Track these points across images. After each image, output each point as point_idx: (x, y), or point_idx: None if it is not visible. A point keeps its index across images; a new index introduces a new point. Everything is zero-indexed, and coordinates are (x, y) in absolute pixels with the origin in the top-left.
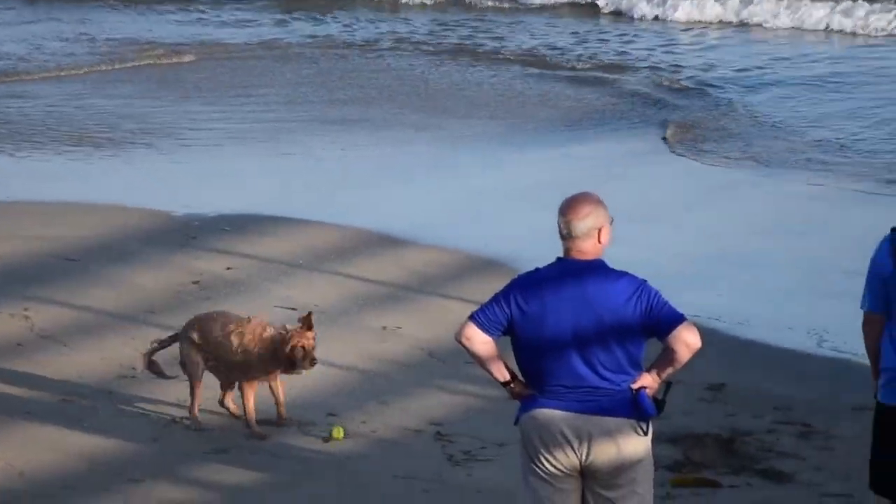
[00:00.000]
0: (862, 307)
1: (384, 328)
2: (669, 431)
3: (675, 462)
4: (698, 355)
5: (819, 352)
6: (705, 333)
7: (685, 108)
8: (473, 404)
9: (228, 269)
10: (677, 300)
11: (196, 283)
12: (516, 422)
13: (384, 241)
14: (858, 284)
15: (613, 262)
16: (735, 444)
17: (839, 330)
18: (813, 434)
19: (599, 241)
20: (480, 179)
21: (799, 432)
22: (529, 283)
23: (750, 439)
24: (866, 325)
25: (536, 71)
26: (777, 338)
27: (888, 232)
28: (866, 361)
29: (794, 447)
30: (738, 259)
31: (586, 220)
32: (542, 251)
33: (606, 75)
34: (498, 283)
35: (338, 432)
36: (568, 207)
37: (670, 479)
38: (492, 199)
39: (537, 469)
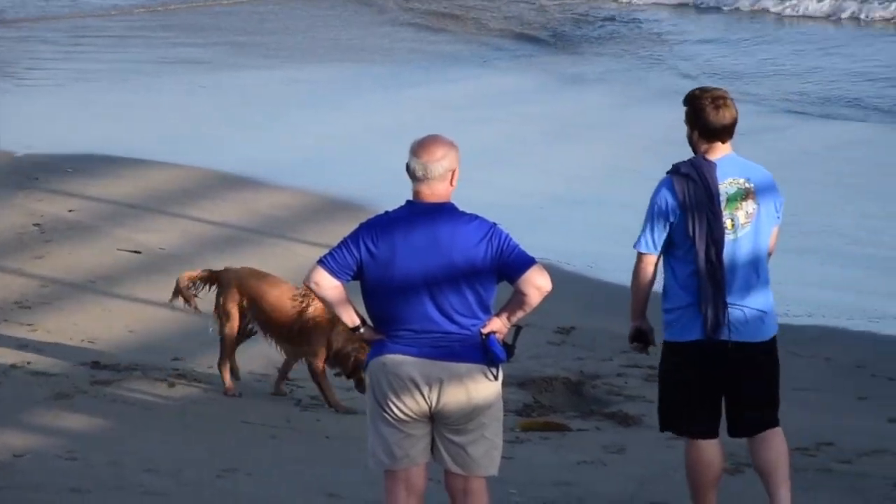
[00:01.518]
0: (640, 249)
1: None
2: (518, 375)
3: (525, 406)
4: (548, 298)
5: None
6: (555, 276)
7: (539, 52)
8: None
9: (71, 211)
10: (527, 243)
11: (37, 225)
12: (365, 367)
13: (231, 183)
14: None
15: (465, 205)
16: (584, 387)
17: None
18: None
19: (451, 184)
20: (333, 122)
21: (647, 375)
22: (379, 226)
23: (598, 383)
24: (644, 265)
25: (393, 16)
26: (626, 280)
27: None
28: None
29: (642, 390)
30: (589, 201)
31: (442, 162)
32: (395, 193)
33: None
34: (349, 226)
35: None
36: (423, 149)
37: (519, 423)
38: (343, 141)
39: (386, 414)
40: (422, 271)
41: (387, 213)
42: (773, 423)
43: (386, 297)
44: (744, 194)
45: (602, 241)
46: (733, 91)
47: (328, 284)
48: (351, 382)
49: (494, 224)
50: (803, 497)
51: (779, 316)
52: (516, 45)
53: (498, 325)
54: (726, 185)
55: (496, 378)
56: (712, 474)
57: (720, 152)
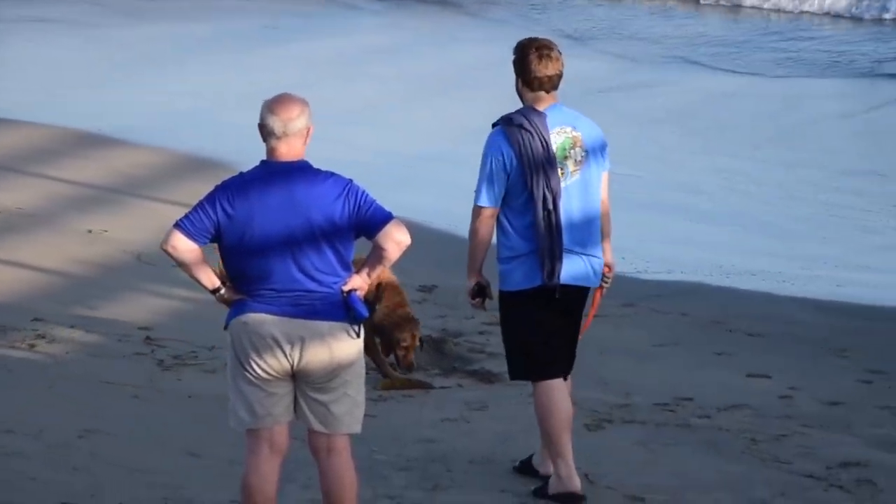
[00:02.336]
0: (481, 203)
1: (90, 231)
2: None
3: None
4: (409, 257)
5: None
6: (417, 235)
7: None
8: (183, 308)
9: None
10: (390, 201)
11: None
12: (226, 326)
13: (91, 142)
14: None
15: (330, 164)
16: (446, 345)
17: None
18: None
19: (305, 142)
20: (192, 80)
21: None
22: (235, 187)
23: (461, 340)
24: (485, 219)
25: None
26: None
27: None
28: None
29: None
30: (449, 159)
31: (300, 119)
32: (255, 151)
33: None
34: (210, 184)
35: None
36: (280, 106)
37: (381, 382)
38: (203, 99)
39: (247, 373)
40: (280, 230)
41: (242, 173)
42: (570, 369)
43: (245, 257)
44: (571, 143)
45: (463, 201)
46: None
47: (185, 248)
48: None
49: (350, 180)
50: (663, 453)
51: (638, 272)
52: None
53: (358, 282)
54: (555, 135)
55: (358, 335)
56: (565, 415)
57: (546, 102)
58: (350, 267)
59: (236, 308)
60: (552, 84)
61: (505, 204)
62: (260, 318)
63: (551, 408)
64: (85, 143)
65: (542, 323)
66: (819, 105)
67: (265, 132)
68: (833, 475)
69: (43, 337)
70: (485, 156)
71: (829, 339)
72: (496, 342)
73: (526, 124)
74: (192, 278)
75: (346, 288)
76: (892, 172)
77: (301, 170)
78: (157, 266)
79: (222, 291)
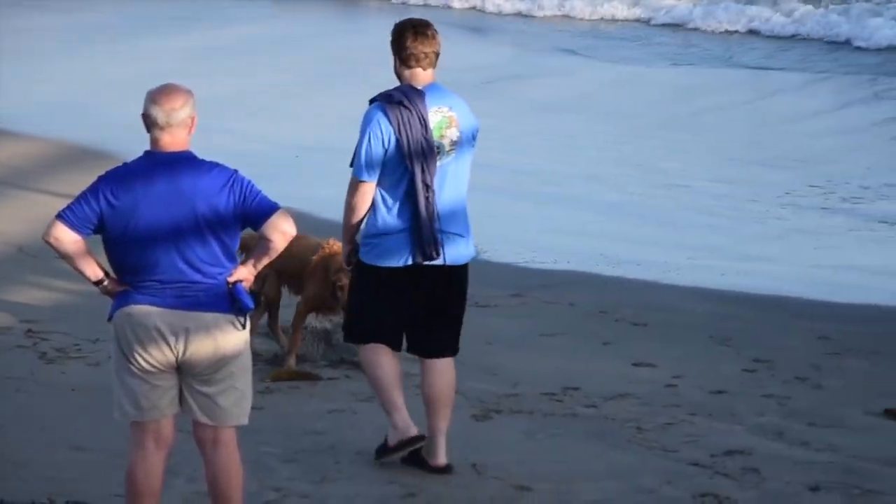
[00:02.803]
0: (361, 177)
1: None
2: (266, 325)
3: (275, 356)
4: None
5: None
6: (307, 225)
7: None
8: (66, 300)
9: None
10: (280, 192)
11: None
12: (110, 318)
13: None
14: None
15: (217, 155)
16: (333, 337)
17: None
18: None
19: (190, 132)
20: (72, 69)
21: None
22: (119, 178)
23: None
24: (364, 193)
25: None
26: None
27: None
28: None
29: None
30: (336, 148)
31: (185, 109)
32: (139, 141)
33: None
34: (92, 175)
35: None
36: (164, 96)
37: (270, 374)
38: (85, 89)
39: (132, 366)
40: (165, 221)
41: (125, 164)
42: (454, 349)
43: (130, 248)
44: (448, 123)
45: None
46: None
47: (68, 239)
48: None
49: (236, 171)
50: (550, 443)
51: (526, 262)
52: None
53: (244, 274)
54: (433, 114)
55: (244, 327)
56: (394, 370)
57: (424, 80)
58: (235, 258)
59: (120, 299)
60: (429, 61)
61: (379, 180)
62: (144, 310)
63: (374, 361)
64: None
65: (393, 300)
66: (707, 95)
67: (148, 122)
68: (718, 463)
69: None
70: (363, 132)
71: (714, 327)
72: None
73: (405, 101)
74: (76, 270)
75: (231, 279)
76: (777, 162)
77: (186, 160)
78: (39, 258)
79: (106, 283)
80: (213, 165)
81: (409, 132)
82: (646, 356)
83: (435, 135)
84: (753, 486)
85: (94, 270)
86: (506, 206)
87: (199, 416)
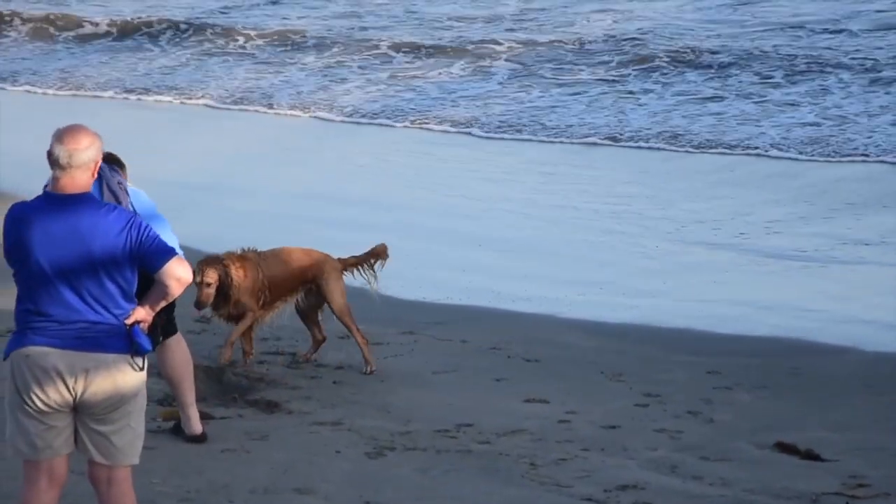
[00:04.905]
0: None
1: None
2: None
3: (166, 395)
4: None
5: None
6: (193, 263)
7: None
8: None
9: None
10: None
11: None
12: (6, 357)
13: None
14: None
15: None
16: (225, 375)
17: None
18: (302, 363)
19: (92, 175)
20: None
21: (288, 362)
22: (17, 218)
23: (240, 370)
24: None
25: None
26: None
27: None
28: (352, 291)
29: (284, 377)
30: (225, 188)
31: (89, 151)
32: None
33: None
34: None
35: None
36: (69, 137)
37: (160, 413)
38: None
39: (27, 406)
40: (62, 262)
41: (24, 202)
42: (174, 329)
43: (29, 287)
44: None
45: (243, 228)
46: None
47: None
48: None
49: (134, 214)
50: (444, 479)
51: (416, 298)
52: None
53: (142, 315)
54: None
55: (142, 368)
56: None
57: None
58: (134, 299)
59: (16, 339)
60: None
61: None
62: (43, 351)
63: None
64: None
65: None
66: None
67: (51, 160)
68: (612, 498)
69: None
70: None
71: (605, 362)
72: (276, 371)
73: None
74: None
75: (129, 321)
76: (663, 195)
77: (85, 202)
78: None
79: None
80: (112, 208)
81: None
82: (538, 392)
83: None
84: None
85: None
86: (392, 242)
87: (95, 456)
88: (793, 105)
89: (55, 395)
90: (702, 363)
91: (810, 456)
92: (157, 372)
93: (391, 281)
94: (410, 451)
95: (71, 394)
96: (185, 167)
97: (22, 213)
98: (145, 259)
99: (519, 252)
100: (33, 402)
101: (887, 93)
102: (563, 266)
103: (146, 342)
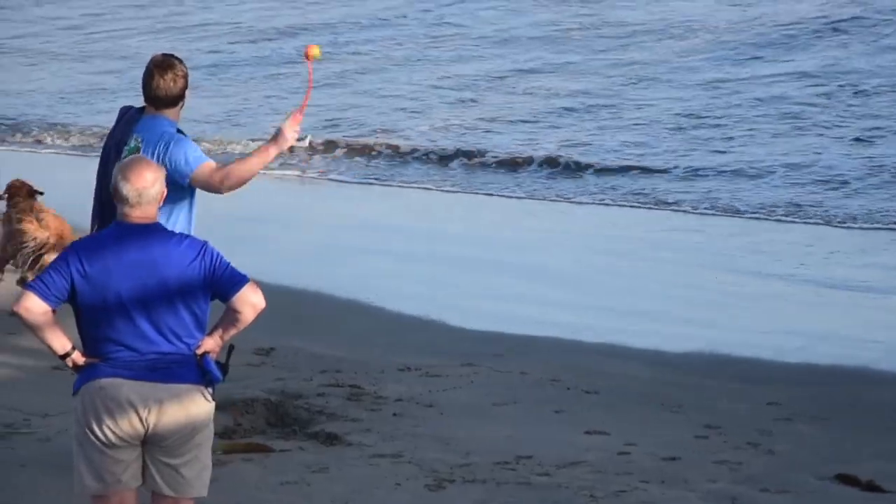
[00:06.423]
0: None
1: None
2: (218, 398)
3: (226, 428)
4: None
5: (364, 312)
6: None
7: None
8: (12, 376)
9: None
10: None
11: None
12: (76, 391)
13: None
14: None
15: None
16: (285, 408)
17: (384, 289)
18: (362, 395)
19: (159, 204)
20: None
21: (348, 394)
22: (90, 248)
23: (300, 402)
24: None
25: None
26: (325, 300)
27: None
28: (412, 322)
29: (344, 409)
30: (282, 221)
31: (155, 186)
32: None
33: None
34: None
35: (316, 50)
36: (135, 175)
37: (221, 445)
38: None
39: (96, 439)
40: (137, 292)
41: (96, 234)
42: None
43: (101, 319)
44: (134, 151)
45: (296, 263)
46: None
47: (38, 310)
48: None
49: (206, 242)
50: None
51: (475, 328)
52: None
53: (212, 345)
54: (132, 139)
55: (212, 399)
56: None
57: (149, 113)
58: (205, 329)
59: (88, 372)
60: (156, 102)
61: None
62: (116, 383)
63: None
64: None
65: None
66: None
67: (118, 197)
68: None
69: None
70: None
71: (664, 393)
72: (335, 403)
73: (120, 120)
74: (43, 341)
75: (199, 351)
76: (713, 228)
77: (156, 231)
78: None
79: (73, 355)
80: (184, 237)
81: (108, 148)
82: (598, 423)
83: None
84: None
85: (61, 342)
86: (454, 273)
87: (163, 489)
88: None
89: (127, 426)
90: (761, 394)
91: (872, 487)
92: (216, 404)
93: (450, 312)
94: (470, 484)
95: (143, 425)
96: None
97: (93, 245)
98: (218, 287)
99: (576, 283)
100: (105, 434)
101: None
102: (620, 297)
103: (217, 373)
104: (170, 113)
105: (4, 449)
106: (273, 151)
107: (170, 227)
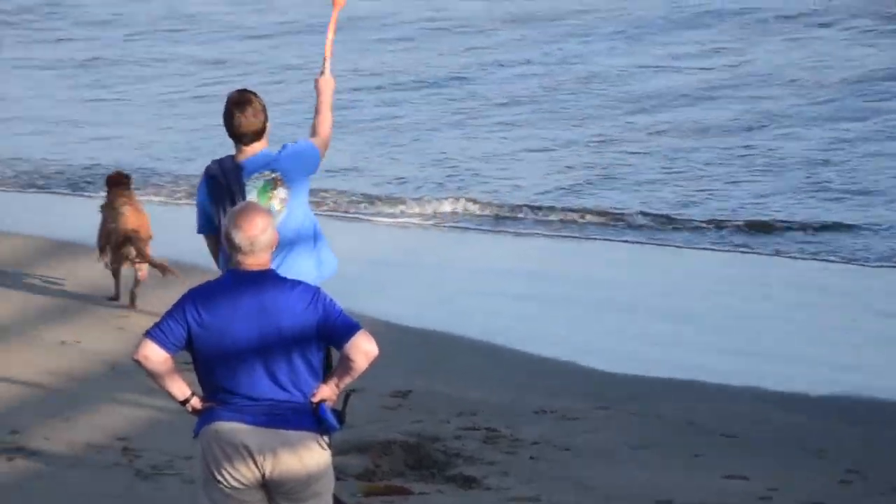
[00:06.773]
0: (198, 231)
1: (63, 343)
2: (356, 440)
3: (365, 470)
4: (381, 361)
5: (500, 355)
6: (387, 337)
7: None
8: (159, 417)
9: None
10: (359, 306)
11: None
12: (196, 435)
13: (62, 250)
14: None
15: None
16: (423, 450)
17: (518, 331)
18: (499, 438)
19: (272, 250)
20: None
21: (485, 437)
22: (205, 295)
23: (437, 445)
24: (210, 245)
25: None
26: (461, 343)
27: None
28: (547, 365)
29: (481, 452)
30: (416, 262)
31: (267, 233)
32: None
33: None
34: (177, 293)
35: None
36: (247, 222)
37: (360, 488)
38: None
39: (220, 484)
40: (251, 339)
41: (209, 281)
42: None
43: (216, 365)
44: (272, 184)
45: (436, 308)
46: None
47: (157, 358)
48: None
49: (318, 289)
50: None
51: (610, 370)
52: None
53: (327, 393)
54: (253, 181)
55: (329, 447)
56: None
57: (246, 154)
58: (319, 376)
59: (206, 417)
60: (244, 139)
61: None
62: (231, 427)
63: None
64: (59, 251)
65: None
66: None
67: (230, 245)
68: None
69: (21, 450)
70: (197, 192)
71: (805, 437)
72: (473, 446)
73: (218, 175)
74: (162, 388)
75: (315, 399)
76: (851, 273)
77: (269, 278)
78: (132, 376)
79: (192, 401)
80: (297, 283)
81: (217, 201)
82: (737, 468)
83: (262, 200)
84: None
85: (181, 389)
86: (591, 315)
87: None
88: None
89: (246, 471)
90: None
91: None
92: (355, 447)
93: (586, 355)
94: None
95: (259, 471)
96: None
97: (208, 293)
98: (331, 334)
99: (711, 324)
100: (225, 479)
101: None
102: (757, 339)
103: (333, 421)
104: (259, 146)
105: (155, 490)
106: (326, 92)
107: (301, 225)
